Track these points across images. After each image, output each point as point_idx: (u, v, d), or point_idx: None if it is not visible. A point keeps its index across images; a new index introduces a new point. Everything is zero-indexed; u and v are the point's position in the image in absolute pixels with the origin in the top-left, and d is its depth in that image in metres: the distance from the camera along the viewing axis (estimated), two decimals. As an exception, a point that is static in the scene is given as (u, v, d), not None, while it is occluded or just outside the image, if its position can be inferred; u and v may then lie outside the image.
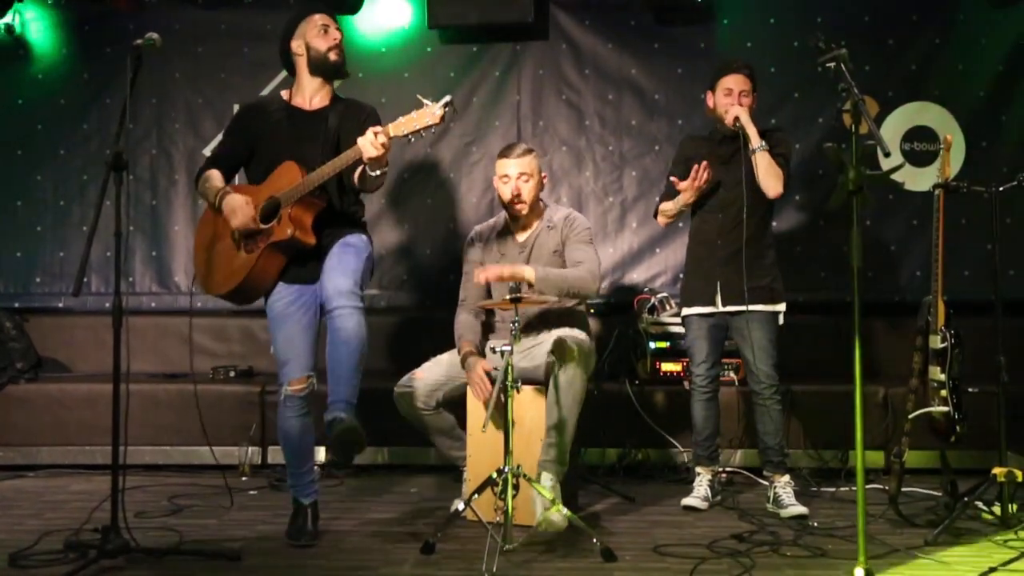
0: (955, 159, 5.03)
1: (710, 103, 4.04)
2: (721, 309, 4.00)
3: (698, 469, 4.11)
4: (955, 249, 4.49)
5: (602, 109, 5.42)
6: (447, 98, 3.33)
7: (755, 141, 3.87)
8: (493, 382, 3.64)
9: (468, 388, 3.80)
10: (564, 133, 5.44)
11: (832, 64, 2.99)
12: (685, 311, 4.10)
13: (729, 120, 3.92)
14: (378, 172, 3.37)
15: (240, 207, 3.45)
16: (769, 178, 3.88)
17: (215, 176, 3.61)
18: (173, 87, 5.52)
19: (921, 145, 5.26)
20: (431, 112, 3.30)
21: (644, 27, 5.37)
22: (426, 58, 5.46)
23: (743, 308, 3.94)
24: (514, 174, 3.87)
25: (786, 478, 3.98)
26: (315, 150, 3.53)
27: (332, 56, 3.60)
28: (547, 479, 3.55)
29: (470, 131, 5.47)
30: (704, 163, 3.89)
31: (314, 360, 3.53)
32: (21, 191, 5.53)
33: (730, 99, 3.94)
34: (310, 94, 3.66)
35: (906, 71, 5.26)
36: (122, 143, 3.24)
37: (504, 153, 3.94)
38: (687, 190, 3.92)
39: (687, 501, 3.99)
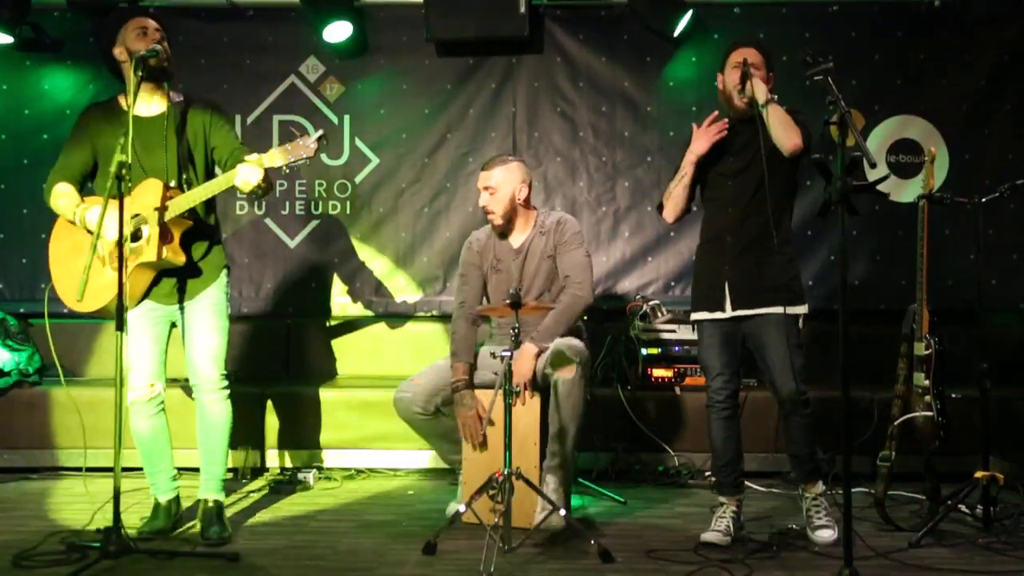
0: (939, 171, 5.11)
1: (720, 84, 3.65)
2: (731, 314, 3.59)
3: (720, 498, 3.63)
4: (939, 259, 4.57)
5: (595, 121, 5.50)
6: (319, 132, 3.40)
7: (762, 96, 3.43)
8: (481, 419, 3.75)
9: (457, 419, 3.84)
10: (558, 144, 5.52)
11: (820, 78, 3.05)
12: (693, 315, 3.69)
13: (734, 81, 3.49)
14: (260, 195, 3.45)
15: (111, 226, 3.39)
16: (782, 128, 3.42)
17: (68, 190, 3.66)
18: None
19: (906, 157, 5.36)
20: (305, 146, 3.36)
21: (636, 41, 5.45)
22: (423, 70, 5.53)
23: (755, 312, 3.56)
24: (481, 187, 3.96)
25: (818, 488, 3.64)
26: (163, 160, 3.55)
27: (152, 61, 3.43)
28: (551, 482, 3.62)
29: (466, 142, 5.54)
30: (724, 122, 3.56)
31: (160, 368, 3.71)
32: (27, 199, 5.55)
33: (739, 71, 3.51)
34: (147, 100, 3.62)
35: (892, 85, 5.35)
36: (126, 153, 3.25)
37: (482, 165, 4.05)
38: (700, 138, 3.56)
39: (706, 536, 3.51)
